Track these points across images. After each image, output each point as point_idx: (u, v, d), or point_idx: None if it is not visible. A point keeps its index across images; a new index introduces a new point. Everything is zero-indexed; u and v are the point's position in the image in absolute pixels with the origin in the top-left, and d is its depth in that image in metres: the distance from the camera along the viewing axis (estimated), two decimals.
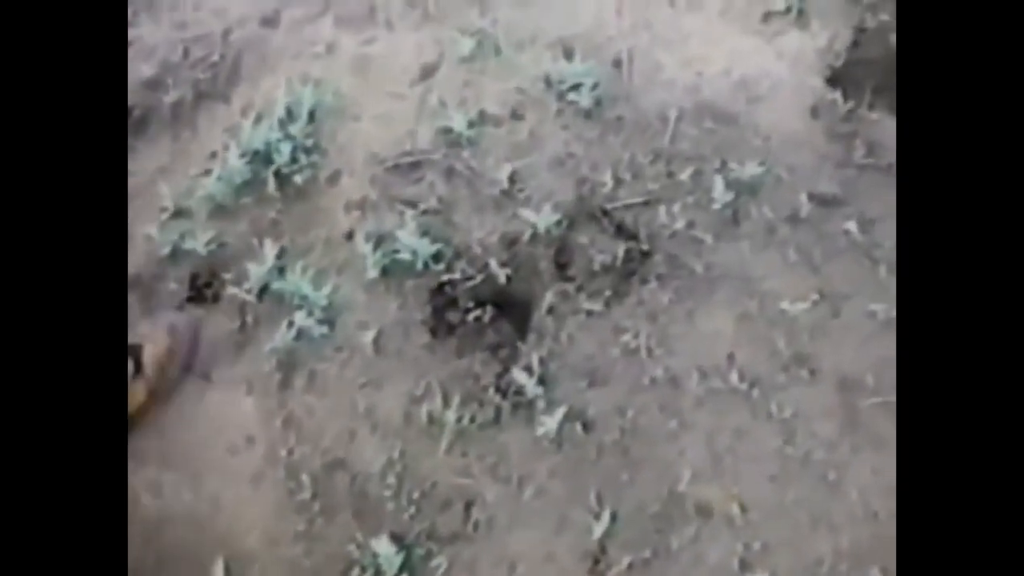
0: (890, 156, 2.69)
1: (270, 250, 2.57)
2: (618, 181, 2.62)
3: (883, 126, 2.74)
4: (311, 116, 2.77)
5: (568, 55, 2.84)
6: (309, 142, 2.73)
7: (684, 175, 2.62)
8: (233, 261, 2.60)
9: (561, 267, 2.53)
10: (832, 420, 2.32)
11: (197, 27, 3.02)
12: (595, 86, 2.74)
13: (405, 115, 2.78)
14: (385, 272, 2.54)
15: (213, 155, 2.77)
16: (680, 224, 2.55)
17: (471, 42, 2.84)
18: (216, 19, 3.04)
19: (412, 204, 2.62)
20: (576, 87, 2.74)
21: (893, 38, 2.90)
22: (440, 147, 2.70)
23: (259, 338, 2.51)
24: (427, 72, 2.85)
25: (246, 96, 2.87)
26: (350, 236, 2.61)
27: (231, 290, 2.56)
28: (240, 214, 2.66)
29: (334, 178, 2.71)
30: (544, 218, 2.50)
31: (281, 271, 2.53)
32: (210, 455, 2.40)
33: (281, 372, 2.46)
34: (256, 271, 2.54)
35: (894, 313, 2.43)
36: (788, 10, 2.91)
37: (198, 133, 2.83)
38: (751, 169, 2.59)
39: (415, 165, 2.69)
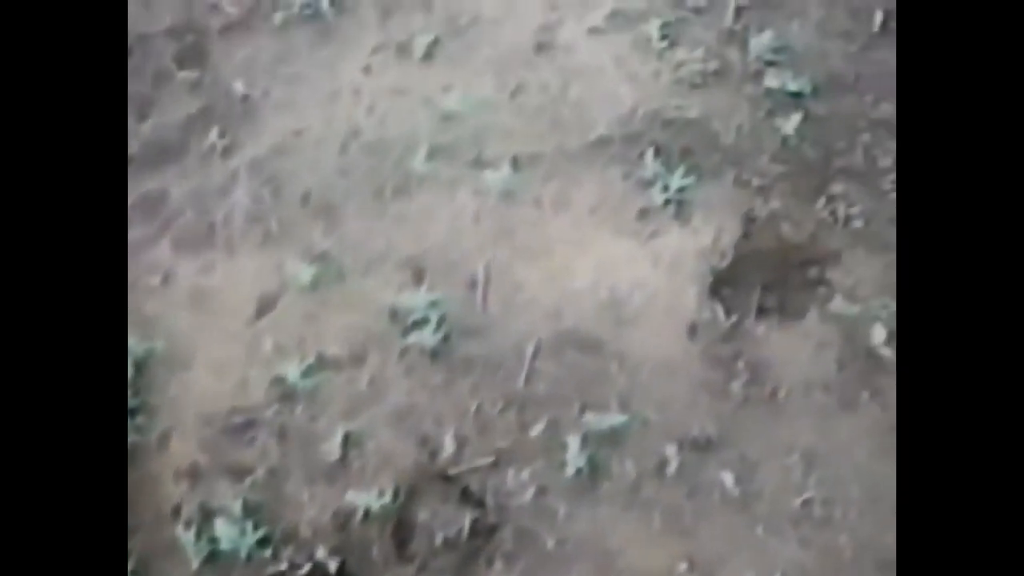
0: (774, 382, 2.58)
1: None
2: (463, 440, 2.54)
3: (769, 343, 2.62)
4: (139, 367, 2.72)
5: (418, 277, 2.77)
6: (136, 401, 2.68)
7: (537, 428, 2.53)
8: None
9: (400, 545, 2.45)
10: None
11: None
12: (443, 320, 2.64)
13: (239, 362, 2.74)
14: (212, 557, 2.48)
15: None
16: (531, 491, 2.46)
17: (312, 270, 2.76)
18: None
19: (242, 474, 2.56)
20: (423, 322, 2.64)
21: (785, 226, 2.79)
22: (273, 401, 2.65)
23: None
24: (265, 306, 2.81)
25: None
26: (177, 511, 2.56)
27: None
28: None
29: (164, 440, 2.68)
30: (376, 499, 2.43)
31: None
32: None
33: None
34: None
35: None
36: (667, 204, 2.79)
37: None
38: (612, 419, 2.49)
39: (248, 424, 2.64)
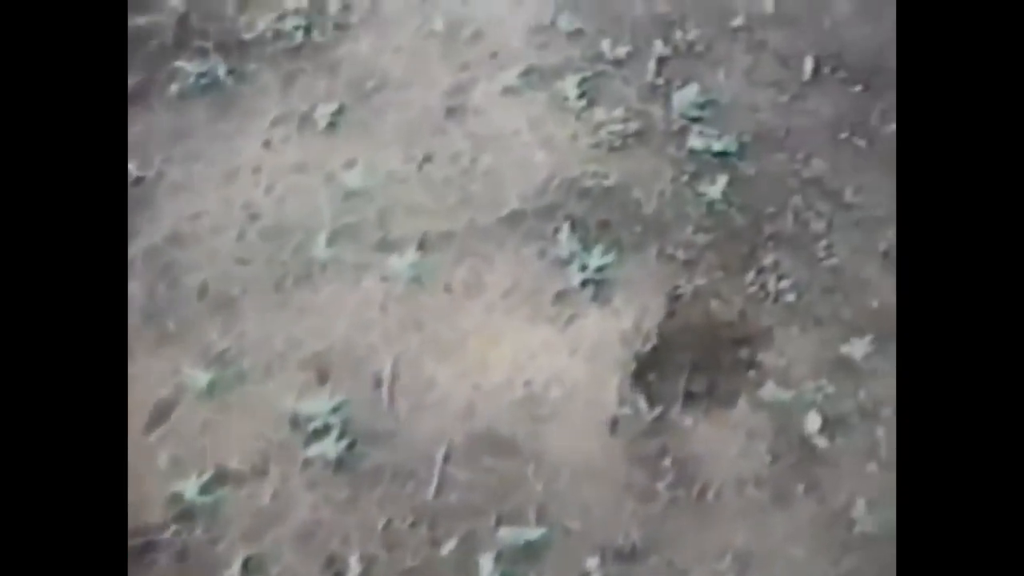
0: (703, 479, 2.46)
1: None
2: (371, 560, 2.41)
3: (697, 436, 2.51)
4: None
5: (322, 377, 2.63)
6: None
7: (449, 545, 2.42)
8: None
9: None
10: None
11: None
12: (347, 425, 2.51)
13: (135, 477, 2.57)
14: None
15: None
16: None
17: (209, 374, 2.61)
18: None
19: None
20: (326, 430, 2.50)
21: (713, 303, 2.66)
22: (172, 521, 2.51)
23: None
24: (161, 414, 2.67)
25: None
26: None
27: None
28: None
29: None
30: None
31: None
32: None
33: None
34: None
35: None
36: (585, 284, 2.64)
37: None
38: (529, 532, 2.36)
39: (146, 547, 2.51)
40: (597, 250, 2.75)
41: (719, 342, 2.70)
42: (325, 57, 3.22)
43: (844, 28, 3.16)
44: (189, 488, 2.57)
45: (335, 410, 2.62)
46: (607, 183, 2.90)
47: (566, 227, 2.81)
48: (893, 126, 2.98)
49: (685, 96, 3.01)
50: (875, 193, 2.89)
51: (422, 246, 2.83)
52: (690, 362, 2.68)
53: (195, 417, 2.71)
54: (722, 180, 2.87)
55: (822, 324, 2.69)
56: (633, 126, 2.99)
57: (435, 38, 3.22)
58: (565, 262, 2.77)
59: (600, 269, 2.74)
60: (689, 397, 2.64)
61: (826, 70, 3.10)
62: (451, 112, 3.08)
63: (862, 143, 2.95)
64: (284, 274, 2.85)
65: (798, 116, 3.01)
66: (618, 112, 3.02)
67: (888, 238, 2.82)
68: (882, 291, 2.74)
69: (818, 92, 3.06)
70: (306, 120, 3.10)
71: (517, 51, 3.17)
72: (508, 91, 3.09)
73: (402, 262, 2.79)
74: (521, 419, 2.61)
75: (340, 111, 3.10)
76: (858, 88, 3.06)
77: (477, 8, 3.25)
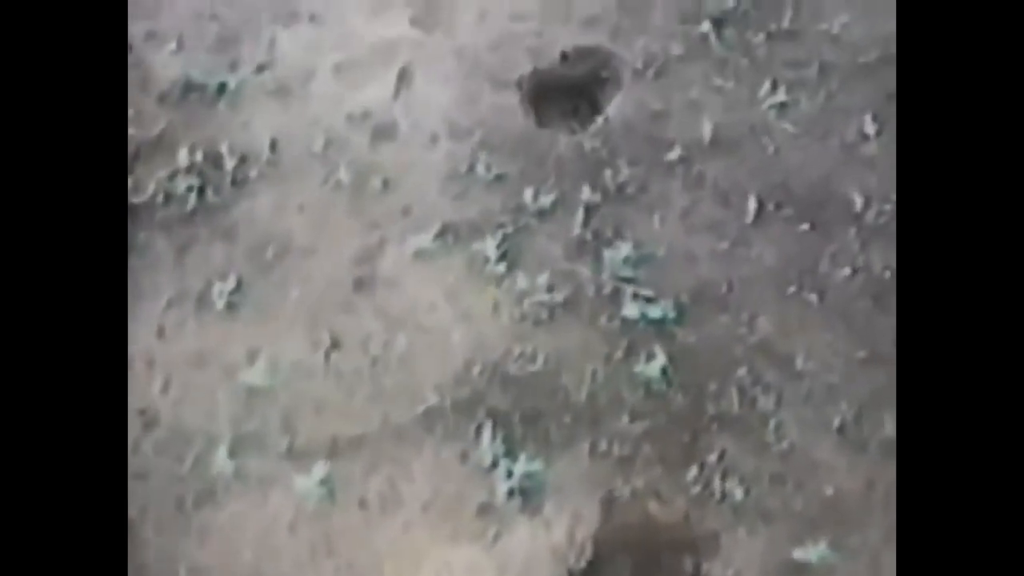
0: None
1: None
2: None
3: None
4: None
5: None
6: None
7: None
8: None
9: None
10: None
11: None
12: None
13: None
14: None
15: None
16: None
17: None
18: None
19: None
20: None
21: (653, 504, 2.46)
22: None
23: None
24: None
25: None
26: None
27: None
28: None
29: None
30: None
31: None
32: None
33: None
34: None
35: None
36: (511, 494, 2.44)
37: None
38: None
39: None
40: (524, 454, 2.55)
41: (660, 549, 2.55)
42: (221, 221, 2.99)
43: (788, 152, 2.93)
44: None
45: None
46: (532, 367, 2.70)
47: (489, 426, 2.60)
48: (844, 271, 2.78)
49: (616, 253, 2.80)
50: (826, 356, 2.69)
51: (332, 453, 2.65)
52: (629, 574, 2.49)
53: None
54: (660, 355, 2.67)
55: (772, 522, 2.52)
56: (560, 295, 2.78)
57: (341, 192, 2.99)
58: (489, 468, 2.57)
59: (528, 475, 2.54)
60: None
61: (770, 207, 2.88)
62: (360, 284, 2.87)
63: (812, 297, 2.73)
64: (184, 492, 2.66)
65: (741, 265, 2.80)
66: (543, 278, 2.80)
67: (842, 411, 2.62)
68: (836, 475, 2.56)
69: (762, 235, 2.84)
70: (203, 300, 2.89)
71: (431, 205, 2.94)
72: (421, 255, 2.87)
73: (310, 479, 2.58)
74: None
75: (239, 287, 2.89)
76: (805, 227, 2.84)
77: (386, 154, 3.01)
